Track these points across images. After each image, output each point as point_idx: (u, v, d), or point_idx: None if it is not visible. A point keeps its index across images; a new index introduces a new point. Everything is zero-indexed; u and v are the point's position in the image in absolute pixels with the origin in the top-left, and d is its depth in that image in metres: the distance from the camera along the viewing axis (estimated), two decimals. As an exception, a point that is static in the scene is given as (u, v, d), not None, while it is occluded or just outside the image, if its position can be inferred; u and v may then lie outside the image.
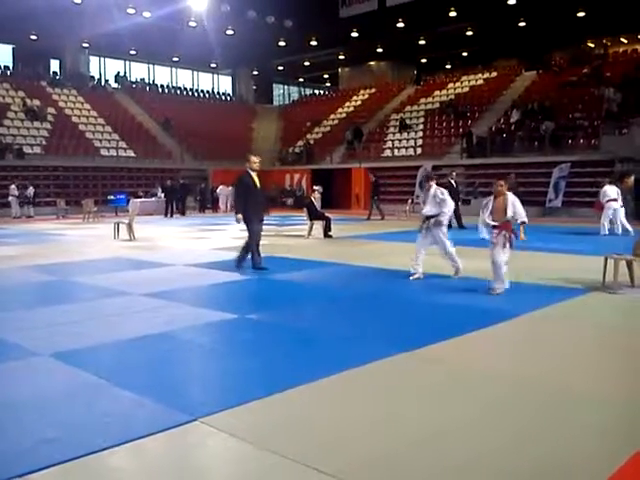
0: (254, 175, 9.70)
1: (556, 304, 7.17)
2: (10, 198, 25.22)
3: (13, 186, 25.37)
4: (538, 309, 6.87)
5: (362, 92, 40.26)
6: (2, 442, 3.53)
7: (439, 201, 8.90)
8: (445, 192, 9.08)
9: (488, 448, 3.43)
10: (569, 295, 7.64)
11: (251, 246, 9.76)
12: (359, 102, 39.25)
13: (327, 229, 15.45)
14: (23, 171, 27.02)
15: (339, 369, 4.71)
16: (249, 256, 9.82)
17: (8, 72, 35.76)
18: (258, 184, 9.72)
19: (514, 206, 7.80)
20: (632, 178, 16.10)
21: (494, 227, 7.82)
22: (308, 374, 4.60)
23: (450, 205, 8.99)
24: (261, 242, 10.05)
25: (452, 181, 17.60)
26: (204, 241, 15.13)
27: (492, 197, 8.01)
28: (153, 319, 6.69)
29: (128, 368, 5.00)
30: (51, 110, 32.12)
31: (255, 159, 9.79)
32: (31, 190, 25.69)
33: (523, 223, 7.91)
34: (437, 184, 9.30)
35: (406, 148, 30.58)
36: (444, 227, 8.93)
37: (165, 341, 5.76)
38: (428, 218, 8.99)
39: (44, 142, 29.58)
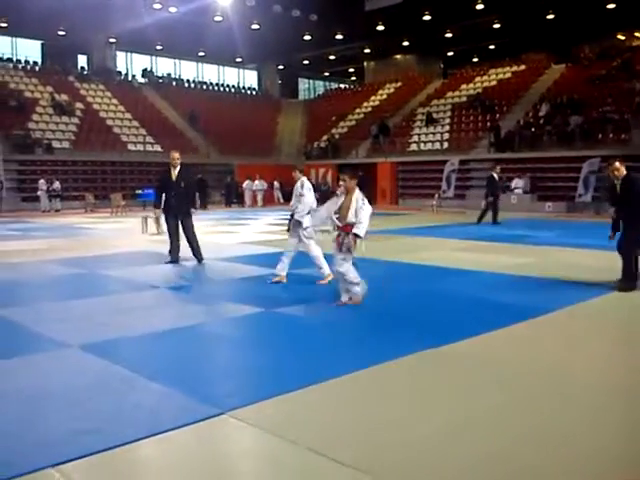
0: (173, 170, 9.93)
1: (588, 300, 7.04)
2: (39, 192, 25.62)
3: (42, 180, 25.76)
4: (569, 305, 6.75)
5: (388, 86, 40.02)
6: (35, 432, 3.56)
7: (298, 195, 8.07)
8: (306, 186, 8.11)
9: (512, 442, 3.37)
10: (600, 292, 7.49)
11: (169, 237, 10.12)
12: (385, 96, 39.04)
13: (353, 224, 15.35)
14: (52, 165, 27.40)
15: (368, 363, 4.67)
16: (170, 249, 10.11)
17: (37, 67, 36.25)
18: (174, 179, 9.88)
19: (356, 209, 6.57)
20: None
21: (337, 227, 6.76)
22: (336, 368, 4.57)
23: (307, 203, 7.98)
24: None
25: (495, 175, 17.18)
26: (230, 235, 15.17)
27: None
28: (181, 312, 6.71)
29: (157, 360, 5.02)
30: (79, 105, 32.49)
31: (174, 155, 10.02)
32: (58, 184, 26.03)
33: (356, 236, 6.52)
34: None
35: (432, 142, 30.35)
36: (306, 227, 8.03)
37: (193, 334, 5.78)
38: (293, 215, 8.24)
39: (72, 137, 29.93)
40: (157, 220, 15.12)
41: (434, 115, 32.09)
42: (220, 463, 3.28)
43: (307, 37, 38.75)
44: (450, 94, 34.14)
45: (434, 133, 30.99)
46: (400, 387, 4.33)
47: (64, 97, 32.13)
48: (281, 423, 3.70)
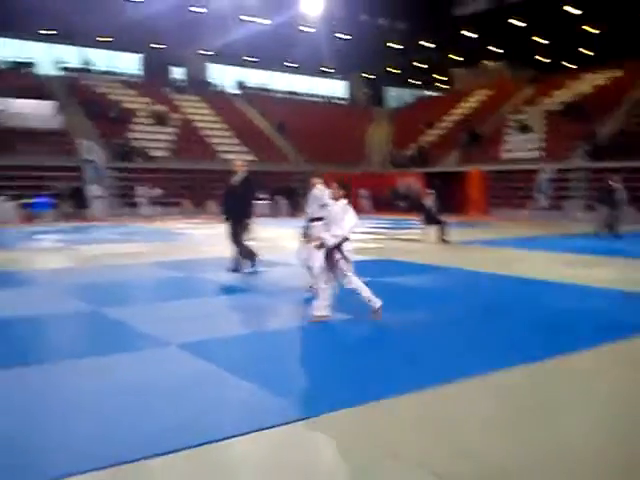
0: (236, 177, 10.03)
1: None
2: (139, 199, 26.96)
3: (141, 187, 27.07)
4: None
5: (477, 93, 39.29)
6: (134, 425, 3.76)
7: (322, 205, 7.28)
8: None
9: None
10: None
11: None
12: (474, 103, 38.35)
13: (442, 233, 15.21)
14: (151, 173, 28.66)
15: (457, 376, 4.60)
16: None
17: (136, 80, 38.12)
18: (235, 185, 9.96)
19: (335, 220, 6.22)
20: None
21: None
22: (424, 379, 4.56)
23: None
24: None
25: (613, 185, 16.23)
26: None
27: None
28: (273, 315, 6.89)
29: (249, 361, 5.19)
30: (176, 116, 33.87)
31: (237, 162, 10.36)
32: (157, 191, 27.28)
33: (322, 244, 6.27)
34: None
35: (525, 150, 29.53)
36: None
37: (284, 337, 5.93)
38: (312, 220, 7.76)
39: (170, 146, 31.22)
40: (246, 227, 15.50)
41: (526, 122, 31.23)
42: (308, 466, 3.34)
43: (394, 45, 38.71)
44: (543, 101, 33.12)
45: (527, 141, 30.14)
46: (494, 400, 4.27)
47: (161, 108, 33.59)
48: (371, 430, 3.72)
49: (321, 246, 6.38)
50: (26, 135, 27.47)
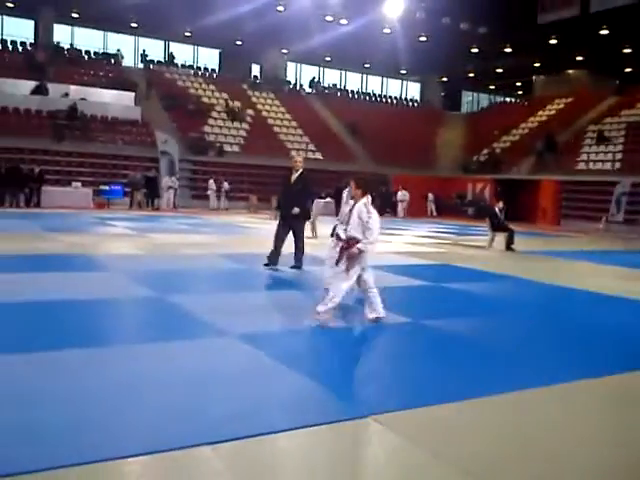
0: (294, 174, 9.81)
1: None
2: (209, 191, 27.60)
3: (211, 181, 27.70)
4: None
5: (557, 101, 38.20)
6: (194, 412, 3.86)
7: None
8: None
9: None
10: None
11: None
12: (553, 111, 37.31)
13: (510, 242, 14.90)
14: (222, 167, 29.28)
15: (515, 387, 4.53)
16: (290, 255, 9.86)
17: (215, 75, 38.99)
18: (292, 182, 9.77)
19: (359, 224, 6.00)
20: None
21: (339, 238, 6.16)
22: (483, 387, 4.50)
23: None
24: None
25: None
26: (381, 245, 15.26)
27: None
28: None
29: (306, 356, 5.26)
30: (250, 112, 34.44)
31: (297, 158, 10.11)
32: (227, 185, 27.86)
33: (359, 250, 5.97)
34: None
35: (603, 162, 28.53)
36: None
37: (342, 335, 5.97)
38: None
39: (242, 141, 31.78)
40: (313, 224, 15.66)
41: (606, 133, 30.14)
42: (358, 465, 3.36)
43: (474, 49, 38.08)
44: (626, 112, 31.86)
45: (605, 152, 29.10)
46: (553, 415, 4.18)
47: (237, 104, 34.22)
48: (425, 433, 3.71)
49: (357, 253, 6.06)
50: (105, 124, 28.60)
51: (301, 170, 9.81)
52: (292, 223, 9.77)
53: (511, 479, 3.20)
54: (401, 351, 5.69)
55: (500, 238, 15.06)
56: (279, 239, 9.78)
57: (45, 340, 5.19)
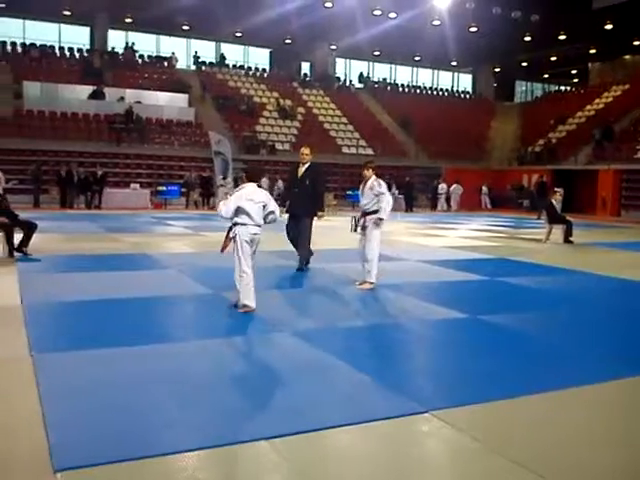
0: (301, 167, 9.14)
1: None
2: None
3: (264, 179, 27.93)
4: None
5: (614, 88, 36.94)
6: (255, 406, 3.94)
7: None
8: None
9: None
10: None
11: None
12: (611, 99, 36.10)
13: (568, 234, 14.54)
14: (274, 165, 29.51)
15: (580, 381, 4.45)
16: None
17: (265, 74, 39.33)
18: (300, 176, 9.10)
19: (373, 197, 7.86)
20: None
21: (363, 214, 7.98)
22: (542, 383, 4.44)
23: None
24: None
25: None
26: (435, 239, 15.17)
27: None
28: (385, 309, 6.94)
29: (362, 352, 5.28)
30: (301, 110, 34.59)
31: (304, 150, 9.19)
32: (281, 183, 28.03)
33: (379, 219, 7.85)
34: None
35: (664, 150, 27.49)
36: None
37: (397, 331, 5.97)
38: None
39: (293, 139, 31.97)
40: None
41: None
42: (415, 461, 3.35)
43: (527, 38, 37.21)
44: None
45: (667, 139, 28.04)
46: (616, 411, 4.09)
47: (288, 102, 34.42)
48: (485, 429, 3.69)
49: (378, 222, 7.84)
50: (161, 126, 29.24)
51: (309, 163, 9.15)
52: (298, 220, 9.18)
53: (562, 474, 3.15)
54: (459, 347, 5.64)
55: (558, 230, 14.71)
56: (294, 239, 9.34)
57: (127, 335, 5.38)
